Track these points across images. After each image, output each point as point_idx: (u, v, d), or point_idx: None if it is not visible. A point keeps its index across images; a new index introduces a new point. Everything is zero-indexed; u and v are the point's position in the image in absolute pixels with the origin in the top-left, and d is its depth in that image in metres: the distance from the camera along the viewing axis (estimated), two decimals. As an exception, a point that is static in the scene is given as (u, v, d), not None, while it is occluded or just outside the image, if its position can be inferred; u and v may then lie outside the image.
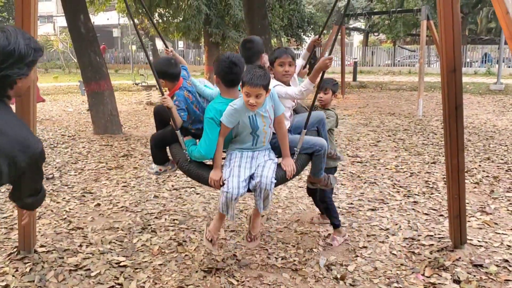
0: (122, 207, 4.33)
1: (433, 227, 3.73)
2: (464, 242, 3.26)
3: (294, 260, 3.19)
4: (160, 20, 16.18)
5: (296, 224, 3.87)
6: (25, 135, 1.64)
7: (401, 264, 3.12)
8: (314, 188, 3.49)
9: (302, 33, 23.83)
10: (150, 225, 3.86)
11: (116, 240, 3.55)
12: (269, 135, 2.74)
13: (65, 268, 3.06)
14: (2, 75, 1.60)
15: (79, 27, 7.45)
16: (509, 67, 20.85)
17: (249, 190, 2.65)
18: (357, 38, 40.83)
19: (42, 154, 1.71)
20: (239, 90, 2.61)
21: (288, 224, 3.87)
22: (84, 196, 4.67)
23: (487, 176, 5.14)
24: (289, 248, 3.40)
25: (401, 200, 4.41)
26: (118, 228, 3.81)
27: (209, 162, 2.81)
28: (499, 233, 3.58)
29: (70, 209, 4.28)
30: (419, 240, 3.49)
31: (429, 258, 3.18)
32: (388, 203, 4.33)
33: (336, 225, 3.47)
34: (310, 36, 23.41)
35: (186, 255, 3.29)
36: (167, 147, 3.06)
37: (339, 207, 4.21)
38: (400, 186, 4.85)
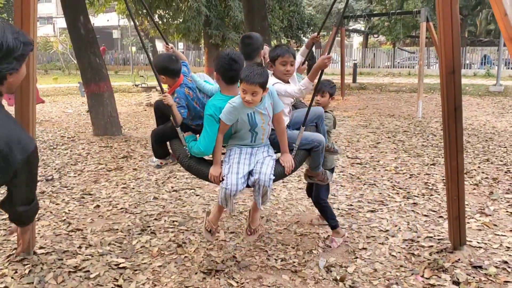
0: (121, 208, 4.32)
1: (433, 229, 3.73)
2: (463, 243, 3.26)
3: (294, 262, 3.19)
4: (160, 22, 16.20)
5: (296, 225, 3.87)
6: (18, 133, 1.61)
7: (401, 266, 3.12)
8: (311, 186, 3.53)
9: (302, 35, 23.86)
10: (149, 226, 3.86)
11: (116, 242, 3.54)
12: (267, 132, 2.77)
13: (64, 270, 3.05)
14: None
15: (78, 28, 7.46)
16: (508, 68, 20.87)
17: (248, 186, 2.69)
18: (357, 39, 40.89)
19: (35, 152, 1.67)
20: (239, 87, 2.63)
21: (288, 225, 3.87)
22: (83, 197, 4.66)
23: (487, 178, 5.14)
24: (288, 249, 3.40)
25: (400, 202, 4.41)
26: (117, 229, 3.81)
27: (209, 158, 2.83)
28: (498, 235, 3.59)
29: (69, 210, 4.27)
30: (418, 241, 3.49)
31: (428, 259, 3.18)
32: (387, 205, 4.33)
33: (333, 226, 3.47)
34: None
35: (185, 256, 3.28)
36: (168, 142, 3.08)
37: (338, 209, 4.22)
38: (400, 188, 4.85)
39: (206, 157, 2.87)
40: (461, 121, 2.94)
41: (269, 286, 2.88)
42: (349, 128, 8.60)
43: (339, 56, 16.92)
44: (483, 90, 14.89)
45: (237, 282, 2.91)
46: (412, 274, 2.99)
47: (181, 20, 15.53)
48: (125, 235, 3.68)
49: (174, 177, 5.30)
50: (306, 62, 3.43)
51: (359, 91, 16.29)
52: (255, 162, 2.70)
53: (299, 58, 3.38)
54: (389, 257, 3.25)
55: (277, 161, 2.77)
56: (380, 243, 3.48)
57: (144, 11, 14.72)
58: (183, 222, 3.96)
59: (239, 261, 3.21)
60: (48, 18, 41.42)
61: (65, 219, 4.04)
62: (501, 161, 5.89)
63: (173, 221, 3.98)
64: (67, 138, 7.86)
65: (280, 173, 2.74)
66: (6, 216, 4.15)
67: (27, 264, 3.11)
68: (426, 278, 2.92)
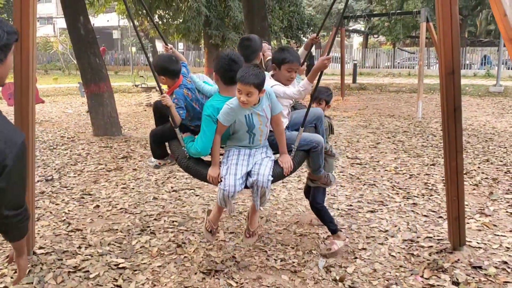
0: (121, 208, 4.32)
1: (432, 229, 3.73)
2: (463, 244, 3.26)
3: (293, 262, 3.19)
4: (160, 22, 16.22)
5: (295, 226, 3.87)
6: (7, 126, 1.55)
7: (400, 266, 3.12)
8: (309, 187, 3.48)
9: (302, 35, 23.88)
10: (149, 227, 3.86)
11: (115, 242, 3.55)
12: (265, 133, 2.77)
13: (64, 270, 3.05)
14: None
15: (78, 28, 7.46)
16: (508, 69, 20.88)
17: (246, 187, 2.69)
18: (357, 40, 40.90)
19: (24, 144, 1.57)
20: None
21: (287, 226, 3.87)
22: (83, 197, 4.66)
23: (486, 178, 5.14)
24: (288, 250, 3.40)
25: (400, 202, 4.41)
26: (117, 229, 3.81)
27: (207, 159, 2.83)
28: (498, 235, 3.59)
29: (69, 210, 4.27)
30: (418, 242, 3.49)
31: (428, 260, 3.18)
32: (387, 205, 4.33)
33: (333, 231, 3.36)
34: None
35: (185, 257, 3.28)
36: (166, 143, 3.08)
37: (338, 209, 4.22)
38: (400, 188, 4.85)
39: (204, 158, 2.87)
40: (460, 122, 2.94)
41: (268, 286, 2.88)
42: (349, 128, 8.60)
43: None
44: (483, 90, 14.89)
45: (237, 282, 2.91)
46: (411, 274, 2.99)
47: (181, 20, 15.54)
48: (125, 235, 3.68)
49: (174, 177, 5.31)
50: (305, 63, 3.43)
51: (359, 92, 16.30)
52: (253, 163, 2.69)
53: None
54: (389, 258, 3.25)
55: (276, 162, 2.77)
56: (379, 244, 3.48)
57: (144, 11, 14.73)
58: (183, 222, 3.96)
59: (238, 261, 3.21)
60: (48, 18, 41.43)
61: (64, 219, 4.04)
62: (501, 161, 5.89)
63: (173, 221, 3.98)
64: (67, 138, 7.86)
65: (278, 174, 2.73)
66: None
67: (26, 264, 3.11)
68: (426, 279, 2.92)
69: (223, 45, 16.24)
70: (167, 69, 2.85)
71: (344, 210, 4.20)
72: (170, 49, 3.17)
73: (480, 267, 3.02)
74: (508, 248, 3.34)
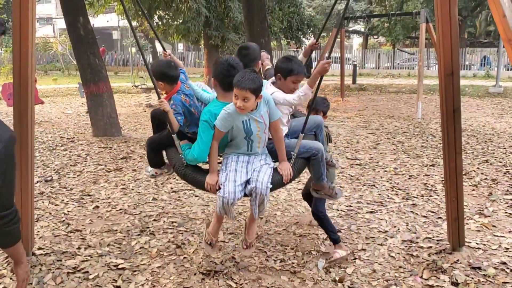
0: (120, 209, 4.32)
1: (432, 230, 3.73)
2: (462, 244, 3.26)
3: (293, 263, 3.19)
4: (160, 23, 16.21)
5: (295, 226, 3.87)
6: None
7: (400, 267, 3.12)
8: (309, 194, 3.35)
9: (301, 36, 23.91)
10: (148, 227, 3.86)
11: (115, 243, 3.54)
12: (264, 140, 2.72)
13: (63, 271, 3.05)
14: None
15: (78, 29, 7.46)
16: (508, 70, 20.90)
17: (245, 195, 2.63)
18: (357, 40, 40.92)
19: (11, 141, 1.52)
20: None
21: (287, 226, 3.87)
22: (82, 198, 4.66)
23: (486, 179, 5.14)
24: (287, 250, 3.40)
25: (399, 203, 4.41)
26: (116, 230, 3.81)
27: (205, 166, 2.80)
28: (497, 236, 3.59)
29: (68, 211, 4.27)
30: (417, 242, 3.49)
31: (427, 260, 3.18)
32: (386, 206, 4.34)
33: (335, 240, 3.27)
34: (309, 39, 23.44)
35: (184, 257, 3.28)
36: (163, 151, 3.06)
37: (337, 210, 4.22)
38: (399, 189, 4.85)
39: (203, 166, 2.83)
40: (459, 123, 2.94)
41: (268, 287, 2.88)
42: (349, 129, 8.60)
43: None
44: (482, 91, 14.91)
45: (236, 283, 2.91)
46: (411, 275, 2.99)
47: (181, 21, 15.52)
48: (124, 236, 3.68)
49: (174, 178, 5.30)
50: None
51: (359, 92, 16.30)
52: (252, 170, 2.64)
53: None
54: (388, 258, 3.25)
55: (275, 169, 2.71)
56: (379, 244, 3.48)
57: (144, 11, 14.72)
58: (182, 223, 3.96)
59: (238, 262, 3.21)
60: (47, 18, 41.45)
61: (64, 220, 4.04)
62: (500, 162, 5.90)
63: (172, 222, 3.98)
64: (67, 139, 7.86)
65: (278, 182, 2.67)
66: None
67: (26, 265, 3.11)
68: (425, 279, 2.92)
69: (223, 45, 16.24)
70: (165, 74, 2.84)
71: (344, 211, 4.20)
72: (169, 55, 3.16)
73: (479, 268, 3.02)
74: (507, 248, 3.34)
